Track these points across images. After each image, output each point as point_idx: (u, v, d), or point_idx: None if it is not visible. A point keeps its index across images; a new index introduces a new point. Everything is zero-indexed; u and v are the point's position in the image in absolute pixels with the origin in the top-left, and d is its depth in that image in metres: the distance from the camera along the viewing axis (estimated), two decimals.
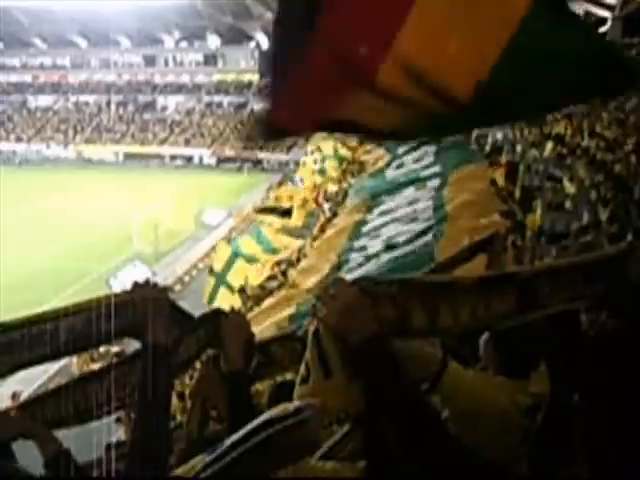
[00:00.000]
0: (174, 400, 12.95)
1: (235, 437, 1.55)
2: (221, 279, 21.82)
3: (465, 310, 1.82)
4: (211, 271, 22.41)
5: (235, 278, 21.86)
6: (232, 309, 2.51)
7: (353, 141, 44.27)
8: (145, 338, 2.09)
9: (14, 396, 16.85)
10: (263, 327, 14.00)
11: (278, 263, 26.53)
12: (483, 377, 2.33)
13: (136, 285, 2.16)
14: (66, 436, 2.46)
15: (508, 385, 2.24)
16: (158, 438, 2.00)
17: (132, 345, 2.19)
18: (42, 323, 2.04)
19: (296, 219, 28.70)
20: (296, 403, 1.64)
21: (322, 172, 35.67)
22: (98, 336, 2.06)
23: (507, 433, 2.14)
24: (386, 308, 1.79)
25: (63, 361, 22.65)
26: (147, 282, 2.16)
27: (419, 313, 1.81)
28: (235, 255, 22.25)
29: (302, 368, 1.86)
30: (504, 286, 1.86)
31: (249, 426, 1.57)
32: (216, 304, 21.01)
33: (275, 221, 27.92)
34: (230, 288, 21.82)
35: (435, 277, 2.10)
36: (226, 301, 20.93)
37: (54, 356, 2.08)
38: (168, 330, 2.12)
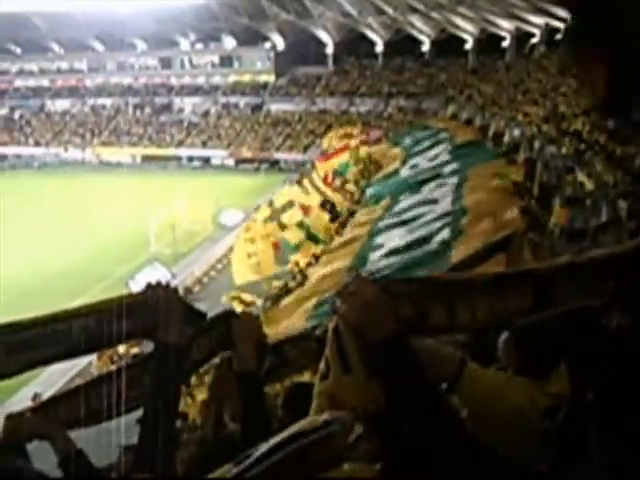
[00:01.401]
0: (191, 402, 13.00)
1: (264, 449, 1.54)
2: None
3: (483, 307, 1.81)
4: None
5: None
6: (244, 311, 2.51)
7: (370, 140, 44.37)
8: (159, 338, 2.10)
9: (35, 398, 16.98)
10: (281, 326, 14.04)
11: (297, 262, 26.62)
12: (502, 377, 2.30)
13: (149, 286, 2.16)
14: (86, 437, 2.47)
15: (527, 385, 2.22)
16: (166, 436, 2.00)
17: (150, 347, 2.20)
18: (56, 323, 2.06)
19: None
20: (325, 416, 1.62)
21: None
22: (111, 336, 2.08)
23: (526, 434, 2.11)
24: (405, 306, 1.79)
25: (84, 363, 22.94)
26: (159, 283, 2.17)
27: (437, 310, 1.81)
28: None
29: (322, 364, 1.86)
30: (521, 283, 1.84)
31: (278, 438, 1.55)
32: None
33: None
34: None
35: (453, 275, 2.09)
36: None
37: (68, 355, 2.10)
38: (181, 330, 2.13)
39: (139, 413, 2.26)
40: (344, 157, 34.10)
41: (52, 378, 19.55)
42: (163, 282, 2.24)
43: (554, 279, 1.84)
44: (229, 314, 2.44)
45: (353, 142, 37.27)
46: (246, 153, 69.84)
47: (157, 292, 2.15)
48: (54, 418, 2.43)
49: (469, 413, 2.18)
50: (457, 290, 1.84)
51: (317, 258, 25.13)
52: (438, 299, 1.81)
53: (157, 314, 2.10)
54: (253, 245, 26.02)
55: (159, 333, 2.10)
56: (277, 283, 26.09)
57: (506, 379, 2.28)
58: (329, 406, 1.75)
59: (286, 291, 23.58)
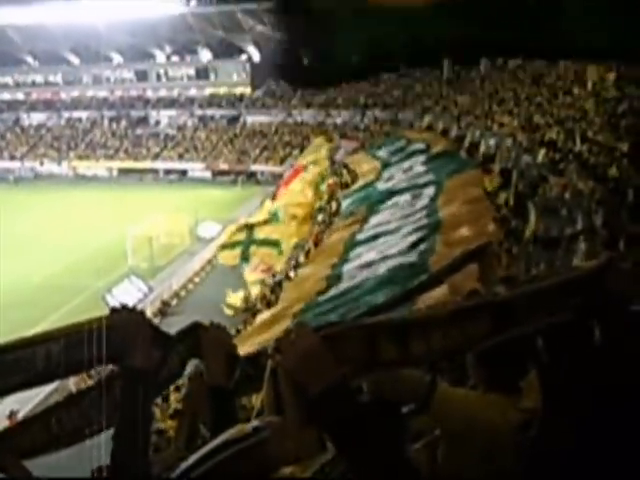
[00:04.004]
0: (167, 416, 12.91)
1: (190, 461, 1.52)
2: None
3: (438, 337, 1.80)
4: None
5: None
6: (212, 323, 2.46)
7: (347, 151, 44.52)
8: (127, 364, 2.05)
9: (11, 415, 16.80)
10: (257, 342, 13.95)
11: (273, 275, 26.59)
12: (474, 396, 2.31)
13: (114, 310, 2.11)
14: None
15: (499, 402, 2.22)
16: (139, 464, 1.97)
17: None
18: (18, 350, 1.99)
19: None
20: (254, 423, 1.60)
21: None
22: (76, 363, 2.01)
23: (500, 449, 2.12)
24: (352, 348, 1.76)
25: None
26: (125, 306, 2.12)
27: (387, 345, 1.78)
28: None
29: (259, 402, 1.85)
30: (479, 315, 1.83)
31: (205, 448, 1.53)
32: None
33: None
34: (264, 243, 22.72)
35: (404, 315, 2.08)
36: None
37: (31, 384, 2.02)
38: (149, 354, 2.08)
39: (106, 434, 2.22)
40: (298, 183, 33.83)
41: (28, 394, 19.35)
42: (136, 301, 2.20)
43: (512, 308, 1.84)
44: (197, 326, 2.38)
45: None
46: (223, 165, 69.84)
47: (123, 316, 2.10)
48: (11, 446, 2.36)
49: (443, 432, 2.19)
50: (410, 327, 1.83)
51: (295, 271, 25.11)
52: (388, 335, 1.79)
53: (123, 339, 2.04)
54: None
55: (126, 358, 2.04)
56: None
57: (478, 397, 2.29)
58: None
59: (266, 303, 23.55)
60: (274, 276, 26.41)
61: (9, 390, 2.01)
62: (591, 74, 33.72)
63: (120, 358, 2.05)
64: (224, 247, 23.62)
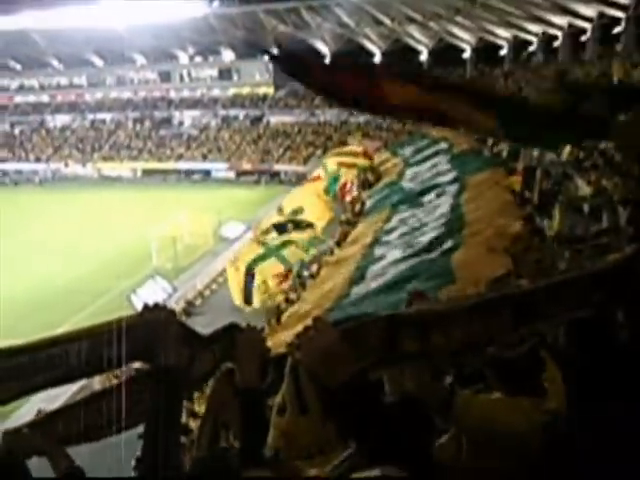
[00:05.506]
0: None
1: None
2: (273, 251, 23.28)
3: (459, 330, 1.81)
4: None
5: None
6: (248, 325, 2.47)
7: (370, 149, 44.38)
8: (156, 362, 2.06)
9: (39, 413, 16.86)
10: (281, 341, 13.98)
11: (299, 275, 26.58)
12: (496, 401, 2.29)
13: (146, 308, 2.13)
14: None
15: (522, 405, 2.21)
16: (169, 461, 1.97)
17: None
18: (51, 347, 2.02)
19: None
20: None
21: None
22: (108, 360, 2.03)
23: (524, 452, 2.11)
24: (372, 341, 1.78)
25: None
26: (157, 304, 2.13)
27: (408, 338, 1.79)
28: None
29: (279, 398, 1.86)
30: (499, 307, 1.83)
31: None
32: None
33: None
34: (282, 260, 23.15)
35: (426, 308, 2.08)
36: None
37: (63, 380, 2.05)
38: (179, 352, 2.09)
39: (139, 429, 2.24)
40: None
41: (54, 393, 19.38)
42: (161, 301, 2.21)
43: (535, 301, 1.83)
44: (233, 328, 2.39)
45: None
46: (246, 165, 69.93)
47: (154, 314, 2.12)
48: (52, 434, 2.40)
49: (467, 438, 2.18)
50: (430, 319, 1.84)
51: (318, 270, 25.10)
52: (409, 328, 1.79)
53: (154, 337, 2.06)
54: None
55: (156, 356, 2.06)
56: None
57: (500, 402, 2.28)
58: (284, 441, 1.76)
59: (290, 304, 23.56)
60: (299, 276, 26.38)
61: (42, 386, 2.05)
62: (617, 71, 33.36)
63: (151, 355, 2.07)
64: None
